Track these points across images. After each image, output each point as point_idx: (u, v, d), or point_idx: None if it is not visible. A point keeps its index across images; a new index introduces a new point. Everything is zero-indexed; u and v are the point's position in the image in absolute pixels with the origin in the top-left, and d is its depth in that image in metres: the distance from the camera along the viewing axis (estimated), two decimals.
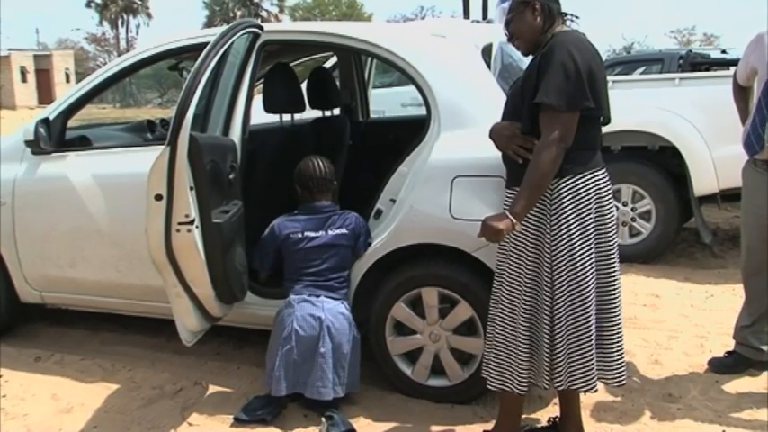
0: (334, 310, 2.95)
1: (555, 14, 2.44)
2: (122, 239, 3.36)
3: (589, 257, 2.38)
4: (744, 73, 3.24)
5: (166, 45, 3.53)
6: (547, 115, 2.30)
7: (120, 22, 55.17)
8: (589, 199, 2.38)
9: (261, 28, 3.24)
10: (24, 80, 38.35)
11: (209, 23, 47.75)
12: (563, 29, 2.44)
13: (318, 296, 2.98)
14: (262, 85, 3.76)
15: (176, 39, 3.52)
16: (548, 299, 2.40)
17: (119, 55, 31.92)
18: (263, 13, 50.28)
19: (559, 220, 2.36)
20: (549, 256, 2.38)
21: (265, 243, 3.12)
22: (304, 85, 3.88)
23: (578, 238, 2.36)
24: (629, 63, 9.18)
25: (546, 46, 2.37)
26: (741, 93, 3.33)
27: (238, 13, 49.22)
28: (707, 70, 7.29)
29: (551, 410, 3.02)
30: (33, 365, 3.49)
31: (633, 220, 5.30)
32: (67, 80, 39.67)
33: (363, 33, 3.24)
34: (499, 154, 2.79)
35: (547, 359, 2.44)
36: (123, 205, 3.31)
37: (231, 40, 2.89)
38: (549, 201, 2.38)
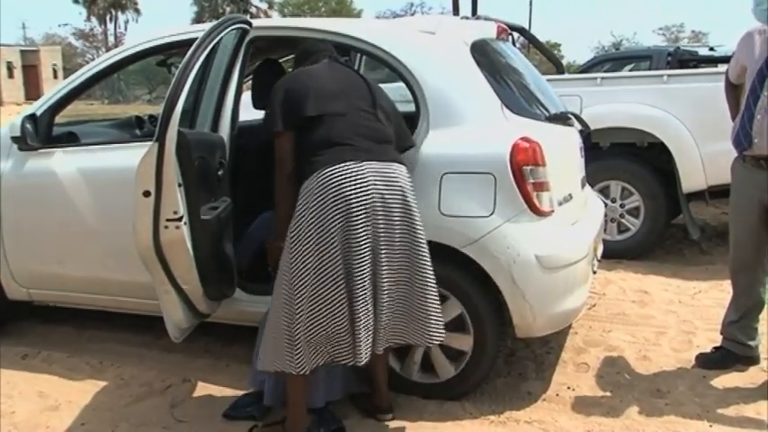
0: None
1: (308, 55, 2.85)
2: (110, 236, 3.33)
3: (330, 246, 2.45)
4: (735, 71, 3.26)
5: (155, 41, 3.51)
6: None
7: (108, 17, 54.80)
8: (333, 192, 2.46)
9: (250, 24, 3.22)
10: (11, 76, 38.02)
11: (198, 19, 47.53)
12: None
13: None
14: (251, 82, 3.74)
15: (165, 34, 3.51)
16: (287, 284, 2.52)
17: (107, 51, 31.65)
18: (252, 9, 50.14)
19: (301, 214, 2.50)
20: (289, 243, 2.53)
21: (253, 238, 3.07)
22: None
23: (317, 228, 2.46)
24: (617, 60, 9.23)
25: None
26: (732, 90, 3.34)
27: (227, 8, 49.04)
28: (695, 67, 7.32)
29: (541, 406, 3.03)
30: (20, 363, 3.47)
31: (622, 216, 5.32)
32: (55, 76, 39.36)
33: (352, 30, 3.23)
34: (488, 150, 2.80)
35: (287, 341, 2.51)
36: (111, 201, 3.29)
37: (220, 36, 2.87)
38: (299, 199, 2.54)
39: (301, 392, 2.66)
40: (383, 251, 2.52)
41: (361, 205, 2.47)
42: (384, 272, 2.54)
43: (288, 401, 2.71)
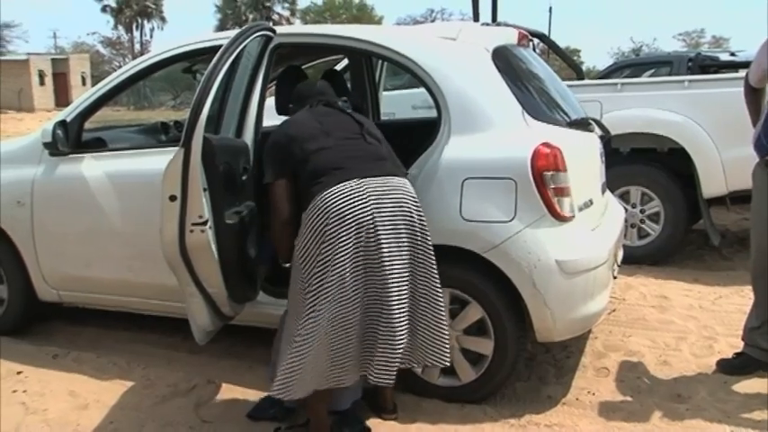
0: None
1: (301, 102, 2.89)
2: (137, 239, 3.41)
3: (332, 269, 2.45)
4: (756, 74, 3.25)
5: (180, 48, 3.58)
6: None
7: (134, 25, 55.59)
8: (332, 212, 2.47)
9: (273, 31, 3.28)
10: (42, 83, 38.59)
11: (222, 27, 47.96)
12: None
13: None
14: (274, 88, 3.79)
15: (190, 42, 3.57)
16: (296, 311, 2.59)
17: (133, 58, 32.06)
18: (275, 17, 50.50)
19: (304, 238, 2.52)
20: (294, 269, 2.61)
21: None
22: None
23: (321, 251, 2.47)
24: (637, 66, 9.17)
25: None
26: (753, 94, 3.33)
27: (250, 16, 49.42)
28: (716, 72, 7.27)
29: (561, 410, 3.05)
30: (51, 362, 3.55)
31: (642, 221, 5.31)
32: (84, 83, 39.89)
33: (374, 36, 3.27)
34: (510, 156, 2.82)
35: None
36: (138, 206, 3.37)
37: (244, 43, 2.93)
38: (301, 228, 2.56)
39: (321, 397, 2.69)
40: (394, 266, 2.50)
41: (355, 221, 2.46)
42: (393, 288, 2.50)
43: (308, 405, 2.75)
